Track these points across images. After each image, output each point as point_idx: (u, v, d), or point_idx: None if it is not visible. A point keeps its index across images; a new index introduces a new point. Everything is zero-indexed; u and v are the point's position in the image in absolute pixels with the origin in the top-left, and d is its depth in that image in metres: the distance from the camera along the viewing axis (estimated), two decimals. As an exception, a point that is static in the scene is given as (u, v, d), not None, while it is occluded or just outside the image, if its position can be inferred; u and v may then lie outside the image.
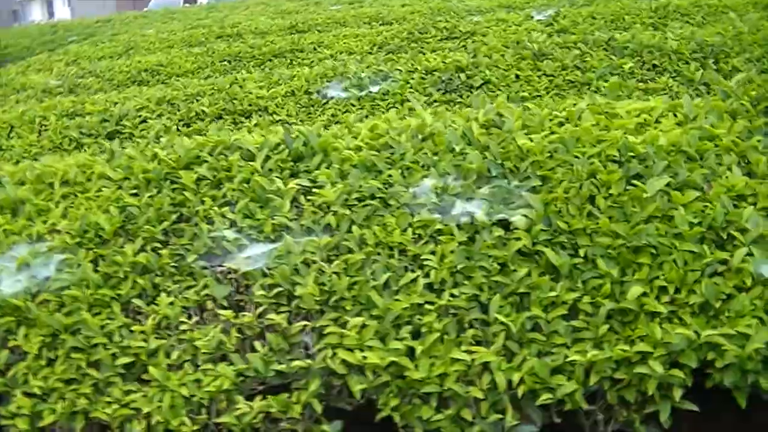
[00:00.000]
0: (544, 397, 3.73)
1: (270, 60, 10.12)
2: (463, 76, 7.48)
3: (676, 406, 3.77)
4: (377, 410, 3.86)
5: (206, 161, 4.66)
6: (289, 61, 9.94)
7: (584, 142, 4.42)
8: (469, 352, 3.83)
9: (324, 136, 4.74)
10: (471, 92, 7.20)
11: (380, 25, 11.62)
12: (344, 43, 10.45)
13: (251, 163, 4.61)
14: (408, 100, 6.86)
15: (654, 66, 7.47)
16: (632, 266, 3.94)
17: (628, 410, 3.81)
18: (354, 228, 4.20)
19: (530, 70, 7.52)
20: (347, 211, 4.27)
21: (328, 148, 4.66)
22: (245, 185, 4.48)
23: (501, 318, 3.85)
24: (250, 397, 3.94)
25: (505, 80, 7.31)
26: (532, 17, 11.01)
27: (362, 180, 4.39)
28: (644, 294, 3.87)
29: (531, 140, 4.46)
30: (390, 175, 4.41)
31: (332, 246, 4.17)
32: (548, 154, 4.35)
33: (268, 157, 4.63)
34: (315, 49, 10.24)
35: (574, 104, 4.98)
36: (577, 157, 4.32)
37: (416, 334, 3.92)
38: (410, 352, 3.87)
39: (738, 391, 3.72)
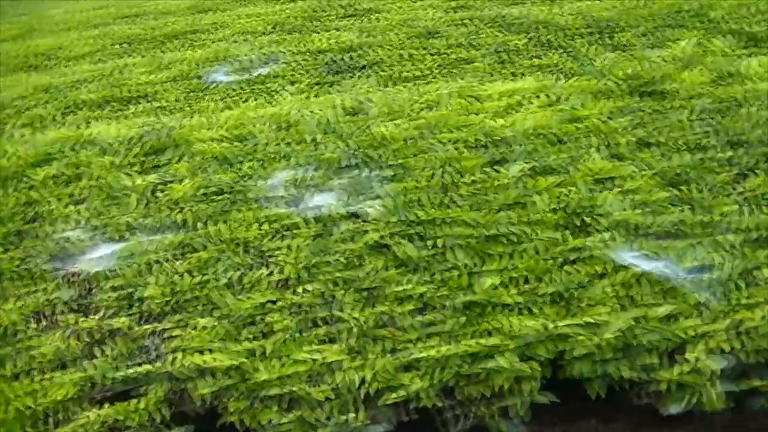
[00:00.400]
0: (392, 396, 3.62)
1: (166, 42, 9.87)
2: (352, 56, 7.33)
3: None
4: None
5: (60, 158, 4.50)
6: (184, 43, 9.70)
7: (447, 128, 4.31)
8: (319, 351, 3.71)
9: (183, 128, 4.60)
10: (361, 72, 7.05)
11: (283, 2, 11.38)
12: (244, 22, 10.24)
13: (107, 158, 4.45)
14: (293, 83, 6.70)
15: (546, 42, 7.35)
16: (487, 256, 3.83)
17: (483, 405, 3.70)
18: (206, 224, 4.06)
19: (420, 48, 7.37)
20: (200, 207, 4.13)
21: (187, 140, 4.52)
22: (97, 182, 4.32)
23: (350, 314, 3.73)
24: (95, 405, 3.79)
25: (393, 60, 7.16)
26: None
27: (218, 173, 4.25)
28: (500, 284, 3.76)
29: (394, 126, 4.34)
30: (248, 168, 4.27)
31: (181, 244, 4.03)
32: (408, 141, 4.24)
33: (125, 152, 4.47)
34: (211, 30, 10.01)
35: (460, 87, 4.87)
36: (437, 143, 4.21)
37: (268, 333, 3.79)
38: (262, 353, 3.75)
39: (590, 382, 3.63)
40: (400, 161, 4.14)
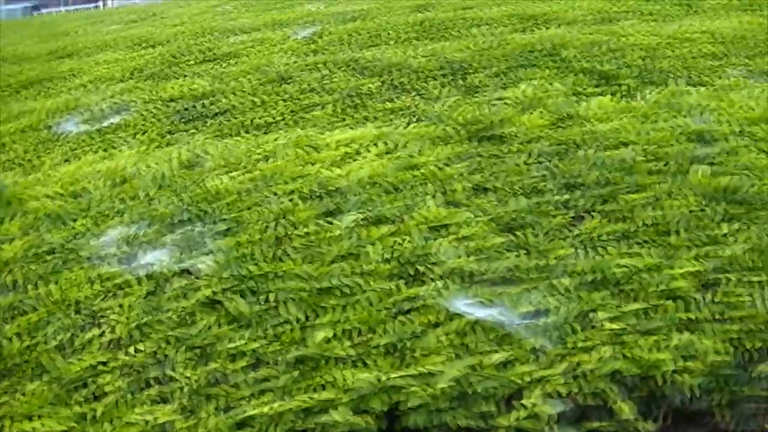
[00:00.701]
0: (225, 456, 3.58)
1: (21, 90, 9.69)
2: (204, 103, 7.28)
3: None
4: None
5: None
6: (39, 91, 9.53)
7: (283, 179, 4.30)
8: (151, 412, 3.65)
9: (18, 185, 4.52)
10: (213, 120, 7.00)
11: (144, 47, 11.26)
12: (103, 68, 10.11)
13: (-63, 218, 4.35)
14: (144, 133, 6.62)
15: (399, 85, 7.37)
16: (320, 309, 3.82)
17: (320, 460, 3.69)
18: (36, 285, 3.98)
19: (273, 94, 7.35)
20: (31, 267, 4.05)
21: (20, 198, 4.44)
22: (-76, 245, 4.22)
23: (182, 373, 3.69)
24: None
25: (245, 107, 7.13)
26: (290, 36, 10.80)
27: (50, 232, 4.18)
28: (333, 337, 3.74)
29: (229, 179, 4.31)
30: (81, 225, 4.21)
31: (11, 306, 3.94)
32: (243, 194, 4.21)
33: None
34: (67, 77, 9.86)
35: (298, 137, 4.85)
36: (272, 195, 4.19)
37: (99, 396, 3.72)
38: (93, 416, 3.67)
39: (427, 432, 3.63)
40: (233, 215, 4.12)
